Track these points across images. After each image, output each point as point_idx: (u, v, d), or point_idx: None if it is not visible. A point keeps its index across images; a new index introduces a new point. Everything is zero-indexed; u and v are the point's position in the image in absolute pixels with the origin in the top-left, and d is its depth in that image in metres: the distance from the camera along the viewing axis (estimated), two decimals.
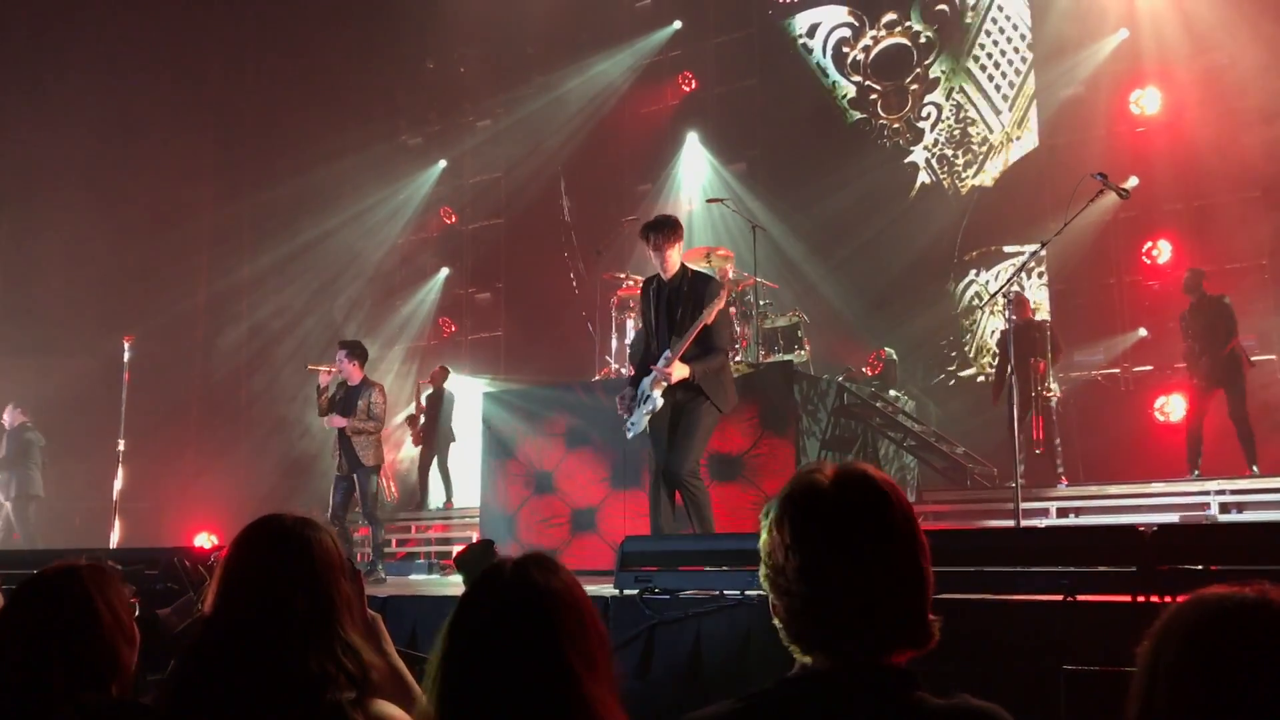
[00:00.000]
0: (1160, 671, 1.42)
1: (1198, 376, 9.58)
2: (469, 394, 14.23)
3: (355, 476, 9.34)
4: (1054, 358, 10.08)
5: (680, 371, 6.27)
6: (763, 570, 1.72)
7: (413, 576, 10.02)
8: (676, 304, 6.45)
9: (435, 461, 13.60)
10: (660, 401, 6.36)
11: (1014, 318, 7.76)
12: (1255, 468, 9.02)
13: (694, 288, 6.42)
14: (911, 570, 1.64)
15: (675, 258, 6.49)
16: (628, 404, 6.58)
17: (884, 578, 1.62)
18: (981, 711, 1.59)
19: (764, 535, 1.72)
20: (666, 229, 6.46)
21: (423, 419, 13.82)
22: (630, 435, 6.69)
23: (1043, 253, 7.46)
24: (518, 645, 1.72)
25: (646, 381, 6.46)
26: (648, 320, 6.67)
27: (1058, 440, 10.06)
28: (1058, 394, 10.18)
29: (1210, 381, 9.44)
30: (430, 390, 13.90)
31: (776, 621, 1.70)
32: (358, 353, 9.46)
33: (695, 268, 6.66)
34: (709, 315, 6.26)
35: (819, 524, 1.66)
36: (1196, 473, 9.21)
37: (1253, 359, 9.63)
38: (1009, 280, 6.72)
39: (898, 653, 1.63)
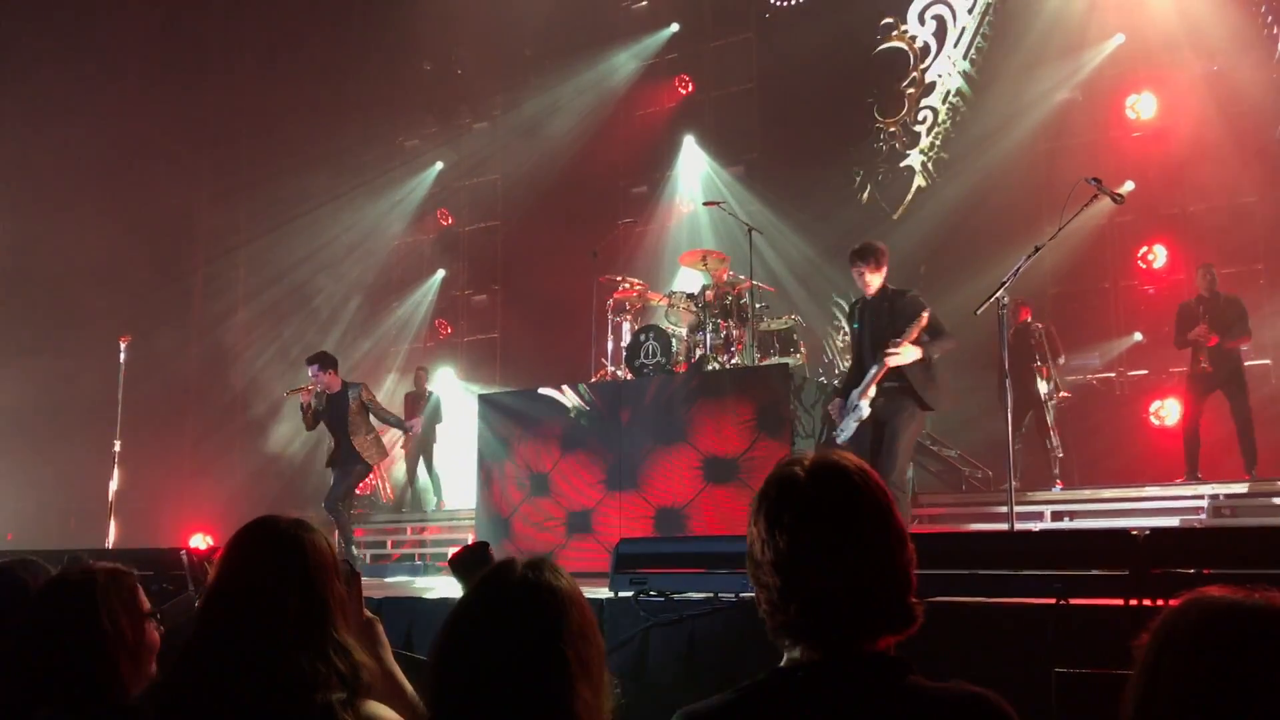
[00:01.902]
0: (1163, 672, 1.42)
1: (1195, 376, 9.52)
2: (465, 396, 14.26)
3: (351, 471, 9.60)
4: (1051, 360, 10.09)
5: (908, 352, 6.70)
6: (747, 564, 1.74)
7: (407, 578, 10.01)
8: (881, 318, 6.92)
9: (421, 462, 13.62)
10: (867, 411, 6.83)
11: (1010, 321, 7.77)
12: (1254, 472, 9.00)
13: (894, 302, 6.93)
14: (884, 555, 1.65)
15: (877, 280, 6.97)
16: (840, 412, 7.03)
17: (856, 564, 1.63)
18: (976, 697, 1.59)
19: (748, 529, 1.74)
20: (871, 255, 6.98)
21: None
22: (839, 440, 7.07)
23: (1037, 256, 7.47)
24: (522, 641, 1.74)
25: (855, 392, 6.93)
26: (858, 337, 7.15)
27: (1056, 443, 10.07)
28: (1058, 397, 10.16)
29: (1210, 382, 9.40)
30: (413, 390, 13.95)
31: (761, 614, 1.70)
32: (329, 362, 9.65)
33: (894, 286, 7.16)
34: (922, 321, 6.72)
35: (791, 514, 1.67)
36: (1198, 475, 9.17)
37: (1247, 363, 9.64)
38: (1001, 284, 6.71)
39: (879, 638, 1.64)
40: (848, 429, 6.94)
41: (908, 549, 1.68)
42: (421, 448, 13.62)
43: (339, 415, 9.56)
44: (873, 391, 6.82)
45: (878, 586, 1.64)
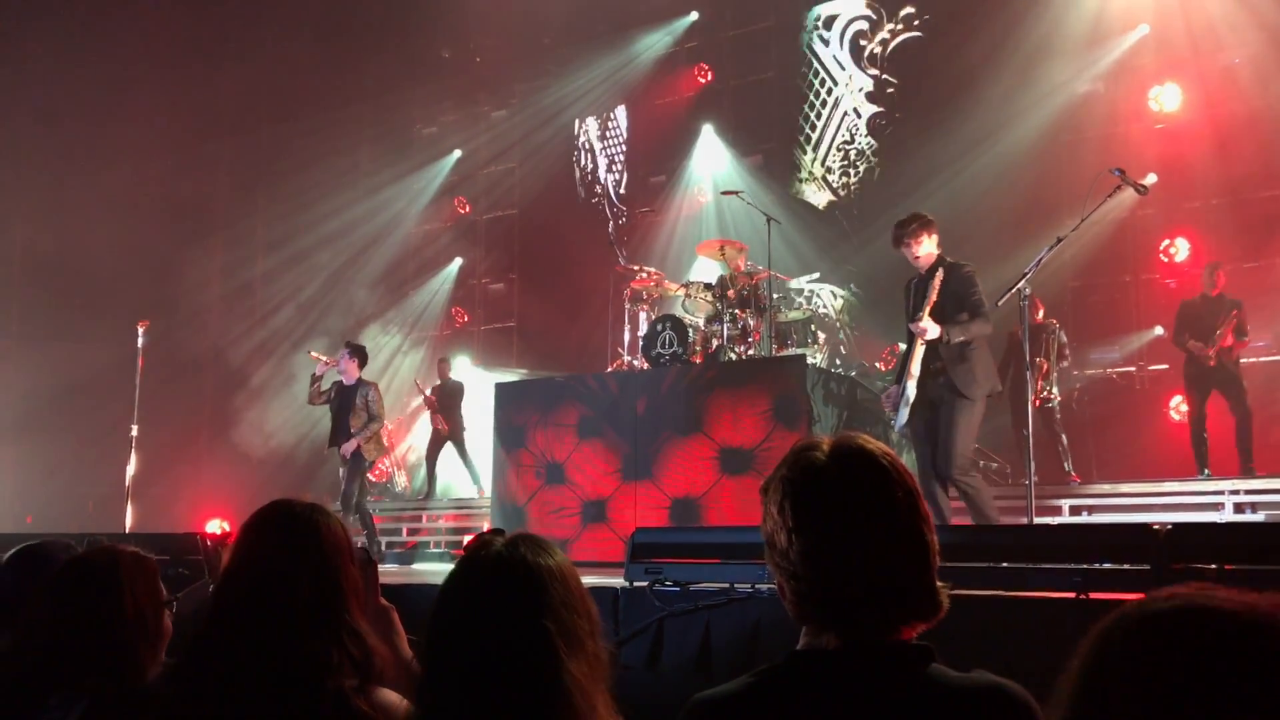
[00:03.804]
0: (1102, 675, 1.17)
1: (1193, 376, 9.46)
2: (481, 384, 14.24)
3: (348, 465, 9.97)
4: (1059, 359, 10.04)
5: (931, 328, 6.40)
6: (768, 554, 1.69)
7: (425, 566, 10.05)
8: (923, 294, 6.58)
9: (457, 452, 13.55)
10: (912, 392, 6.54)
11: (1027, 316, 7.71)
12: (1252, 468, 8.93)
13: (934, 274, 6.55)
14: (917, 541, 1.62)
15: (923, 250, 6.67)
16: (894, 402, 6.74)
17: (890, 552, 1.60)
18: (998, 686, 1.57)
19: (765, 518, 1.70)
20: (905, 225, 6.68)
21: (431, 410, 13.80)
22: (897, 428, 6.93)
23: (1059, 249, 7.41)
24: (501, 618, 1.72)
25: (902, 376, 6.68)
26: (908, 316, 6.81)
27: (1064, 439, 10.00)
28: (1058, 398, 10.09)
29: (1209, 381, 9.33)
30: (437, 383, 13.91)
31: (786, 605, 1.67)
32: (359, 354, 10.14)
33: (949, 259, 6.78)
34: (932, 291, 6.39)
35: (821, 504, 1.63)
36: (1206, 472, 9.14)
37: (1267, 359, 9.58)
38: (1023, 275, 6.66)
39: (909, 626, 1.62)
40: (901, 416, 6.70)
41: (933, 535, 1.65)
42: (451, 436, 13.55)
43: (345, 407, 10.04)
44: (916, 370, 6.55)
45: (910, 575, 1.61)
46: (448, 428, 13.56)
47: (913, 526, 1.63)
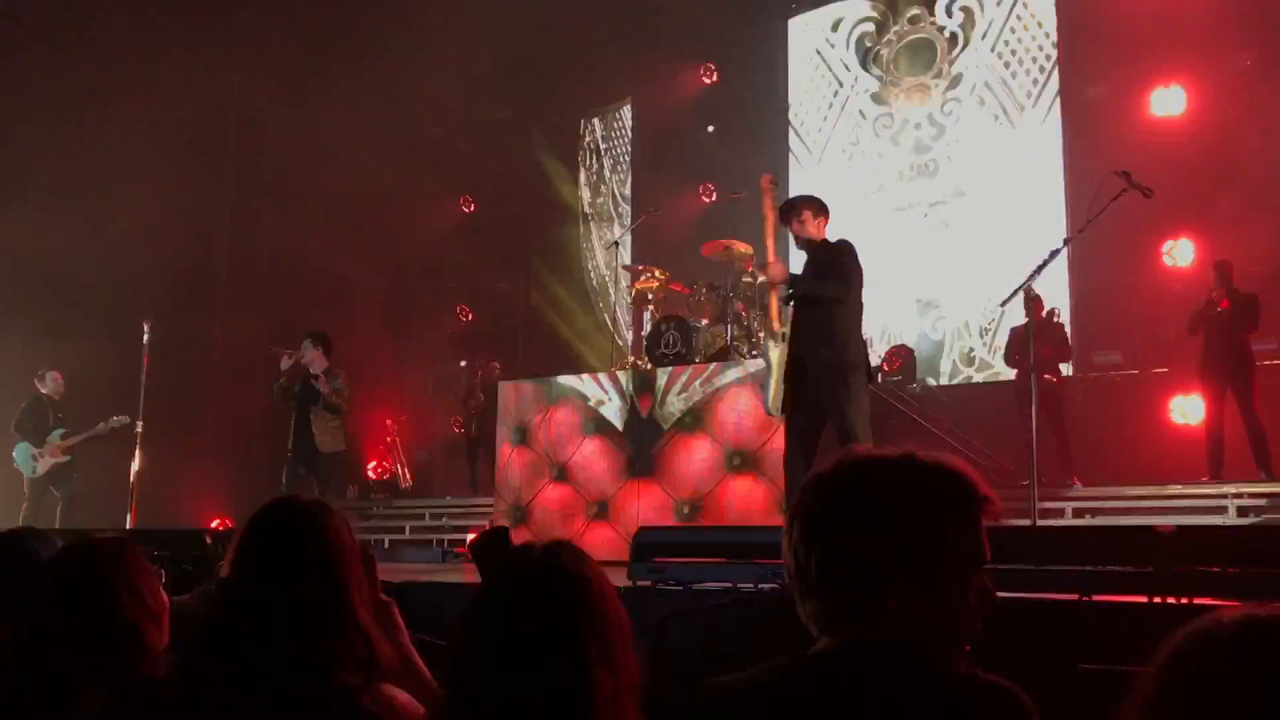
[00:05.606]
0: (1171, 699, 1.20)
1: (1209, 374, 9.45)
2: None
3: (314, 462, 9.64)
4: (1059, 350, 10.04)
5: (775, 269, 6.24)
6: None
7: (426, 563, 10.05)
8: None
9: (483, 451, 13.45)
10: (772, 353, 6.33)
11: (1030, 316, 7.72)
12: (1269, 470, 8.88)
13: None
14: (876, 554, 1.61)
15: (810, 231, 6.47)
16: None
17: (852, 560, 1.61)
18: (990, 685, 1.57)
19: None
20: (786, 208, 6.50)
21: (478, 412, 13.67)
22: (766, 409, 6.64)
23: (1063, 251, 7.41)
24: (540, 629, 1.70)
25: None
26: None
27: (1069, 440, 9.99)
28: (1055, 383, 10.04)
29: (1221, 375, 9.31)
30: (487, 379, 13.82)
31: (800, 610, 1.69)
32: (323, 342, 9.69)
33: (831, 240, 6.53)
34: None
35: (810, 504, 1.67)
36: (1220, 475, 9.08)
37: (1272, 362, 9.57)
38: (1028, 278, 6.66)
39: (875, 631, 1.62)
40: (767, 391, 6.43)
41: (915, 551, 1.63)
42: (484, 441, 13.39)
43: (313, 396, 9.63)
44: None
45: (861, 589, 1.61)
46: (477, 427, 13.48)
47: (877, 536, 1.61)
